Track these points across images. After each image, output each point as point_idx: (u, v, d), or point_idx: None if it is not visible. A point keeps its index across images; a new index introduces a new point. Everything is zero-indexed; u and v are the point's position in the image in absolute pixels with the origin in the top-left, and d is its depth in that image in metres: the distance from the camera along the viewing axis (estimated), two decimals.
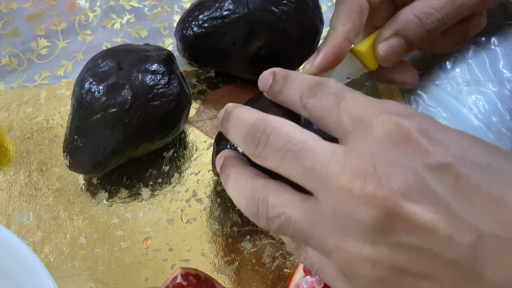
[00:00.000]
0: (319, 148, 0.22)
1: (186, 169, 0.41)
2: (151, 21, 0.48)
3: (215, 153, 0.33)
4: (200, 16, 0.40)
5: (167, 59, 0.37)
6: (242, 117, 0.26)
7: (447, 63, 0.48)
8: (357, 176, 0.20)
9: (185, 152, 0.42)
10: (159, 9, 0.49)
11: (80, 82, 0.35)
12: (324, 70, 0.34)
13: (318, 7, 0.41)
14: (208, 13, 0.40)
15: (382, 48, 0.33)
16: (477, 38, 0.50)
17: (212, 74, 0.46)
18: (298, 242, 0.24)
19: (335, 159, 0.21)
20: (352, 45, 0.36)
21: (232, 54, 0.41)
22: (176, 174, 0.41)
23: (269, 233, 0.38)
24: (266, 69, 0.42)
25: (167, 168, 0.41)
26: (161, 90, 0.35)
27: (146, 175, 0.41)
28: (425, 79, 0.47)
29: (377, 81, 0.45)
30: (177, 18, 0.49)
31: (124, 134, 0.35)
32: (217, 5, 0.39)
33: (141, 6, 0.49)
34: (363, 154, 0.21)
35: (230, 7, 0.39)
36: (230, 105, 0.28)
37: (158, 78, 0.35)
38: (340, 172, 0.21)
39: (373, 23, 0.39)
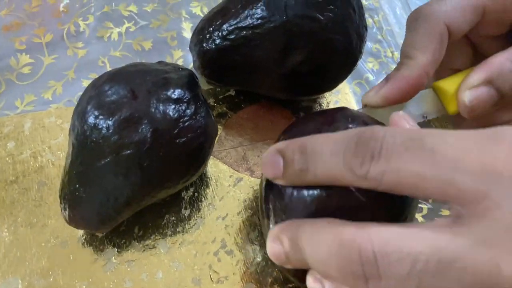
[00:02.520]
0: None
1: (211, 212, 0.34)
2: (154, 30, 0.40)
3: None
4: (225, 26, 0.33)
5: (191, 81, 0.29)
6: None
7: None
8: None
9: (208, 191, 0.34)
10: (163, 15, 0.41)
11: (81, 115, 0.27)
12: (390, 103, 0.28)
13: (362, 12, 0.34)
14: (235, 21, 0.32)
15: (469, 96, 0.27)
16: None
17: (232, 92, 0.39)
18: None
19: None
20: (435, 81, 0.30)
21: (264, 71, 0.33)
22: (199, 220, 0.33)
23: None
24: (306, 87, 0.35)
25: (187, 212, 0.33)
26: (187, 123, 0.28)
27: (163, 223, 0.33)
28: None
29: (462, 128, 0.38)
30: (186, 26, 0.41)
31: (141, 181, 0.27)
32: (246, 12, 0.32)
33: (141, 11, 0.41)
34: None
35: (264, 14, 0.31)
36: (282, 145, 0.22)
37: (184, 108, 0.28)
38: None
39: (449, 65, 0.32)
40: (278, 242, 0.21)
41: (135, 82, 0.28)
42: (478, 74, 0.26)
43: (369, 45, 0.43)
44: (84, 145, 0.27)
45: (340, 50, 0.33)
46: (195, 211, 0.33)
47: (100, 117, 0.27)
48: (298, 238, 0.20)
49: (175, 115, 0.27)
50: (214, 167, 0.36)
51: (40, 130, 0.35)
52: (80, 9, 0.40)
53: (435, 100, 0.30)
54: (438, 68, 0.29)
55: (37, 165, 0.34)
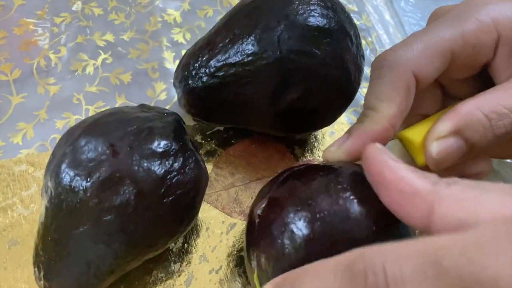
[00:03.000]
0: None
1: (203, 266, 0.31)
2: (134, 60, 0.37)
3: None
4: (212, 62, 0.30)
5: (177, 128, 0.26)
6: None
7: None
8: None
9: (198, 241, 0.32)
10: (143, 44, 0.38)
11: (54, 175, 0.24)
12: (354, 159, 0.25)
13: (360, 41, 0.32)
14: (224, 57, 0.29)
15: (436, 148, 0.24)
16: None
17: (221, 127, 0.36)
18: None
19: None
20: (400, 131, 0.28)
21: (257, 109, 0.30)
22: (190, 275, 0.30)
23: None
24: (302, 125, 0.32)
25: (176, 266, 0.30)
26: (175, 178, 0.25)
27: (151, 280, 0.30)
28: None
29: None
30: (168, 55, 0.38)
31: (126, 248, 0.24)
32: (236, 47, 0.29)
33: (118, 40, 0.38)
34: None
35: (255, 50, 0.29)
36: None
37: (171, 162, 0.25)
38: None
39: (416, 111, 0.30)
40: None
41: (115, 135, 0.24)
42: (446, 124, 0.24)
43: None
44: (59, 210, 0.24)
45: (339, 85, 0.30)
46: (185, 265, 0.31)
47: (77, 178, 0.23)
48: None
49: (162, 172, 0.24)
50: (205, 212, 0.33)
51: (10, 181, 0.31)
52: (51, 40, 0.37)
53: (402, 151, 0.27)
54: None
55: (7, 221, 0.30)
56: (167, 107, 0.36)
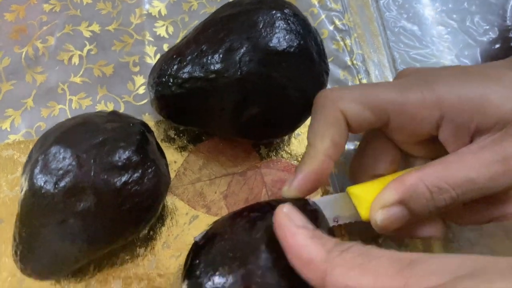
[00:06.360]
0: None
1: (165, 251, 0.35)
2: (117, 53, 0.40)
3: None
4: (180, 73, 0.32)
5: (140, 140, 0.29)
6: None
7: None
8: None
9: (163, 229, 0.35)
10: (127, 36, 0.40)
11: (28, 177, 0.28)
12: (306, 194, 0.28)
13: (324, 58, 0.34)
14: (190, 70, 0.32)
15: (380, 216, 0.26)
16: None
17: None
18: None
19: None
20: (351, 186, 0.29)
21: (220, 118, 0.33)
22: (153, 259, 0.34)
23: None
24: (263, 135, 0.35)
25: (141, 251, 0.35)
26: (134, 189, 0.28)
27: (118, 261, 0.34)
28: None
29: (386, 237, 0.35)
30: (150, 50, 0.40)
31: (88, 245, 0.28)
32: (202, 63, 0.31)
33: (104, 31, 0.40)
34: None
35: (218, 67, 0.31)
36: None
37: (129, 174, 0.28)
38: None
39: (371, 171, 0.32)
40: None
41: (81, 147, 0.28)
42: (391, 194, 0.26)
43: (337, 72, 0.42)
44: (31, 209, 0.28)
45: (297, 104, 0.32)
46: (149, 250, 0.35)
47: (46, 184, 0.27)
48: None
49: (120, 184, 0.27)
50: (171, 203, 0.36)
51: None
52: (40, 29, 0.39)
53: (349, 205, 0.29)
54: (362, 172, 0.29)
55: None
56: (144, 101, 0.39)
